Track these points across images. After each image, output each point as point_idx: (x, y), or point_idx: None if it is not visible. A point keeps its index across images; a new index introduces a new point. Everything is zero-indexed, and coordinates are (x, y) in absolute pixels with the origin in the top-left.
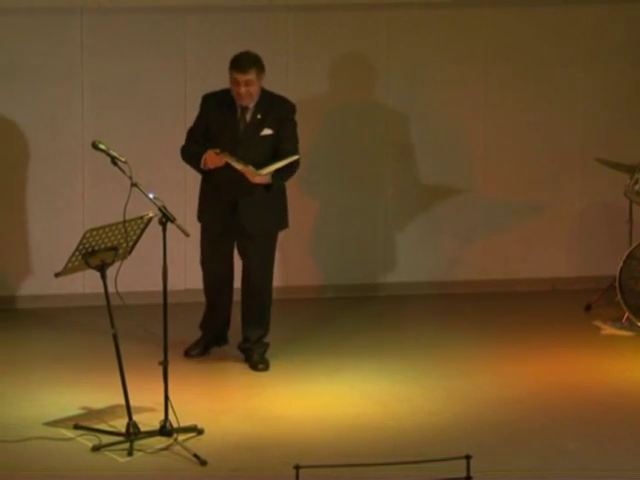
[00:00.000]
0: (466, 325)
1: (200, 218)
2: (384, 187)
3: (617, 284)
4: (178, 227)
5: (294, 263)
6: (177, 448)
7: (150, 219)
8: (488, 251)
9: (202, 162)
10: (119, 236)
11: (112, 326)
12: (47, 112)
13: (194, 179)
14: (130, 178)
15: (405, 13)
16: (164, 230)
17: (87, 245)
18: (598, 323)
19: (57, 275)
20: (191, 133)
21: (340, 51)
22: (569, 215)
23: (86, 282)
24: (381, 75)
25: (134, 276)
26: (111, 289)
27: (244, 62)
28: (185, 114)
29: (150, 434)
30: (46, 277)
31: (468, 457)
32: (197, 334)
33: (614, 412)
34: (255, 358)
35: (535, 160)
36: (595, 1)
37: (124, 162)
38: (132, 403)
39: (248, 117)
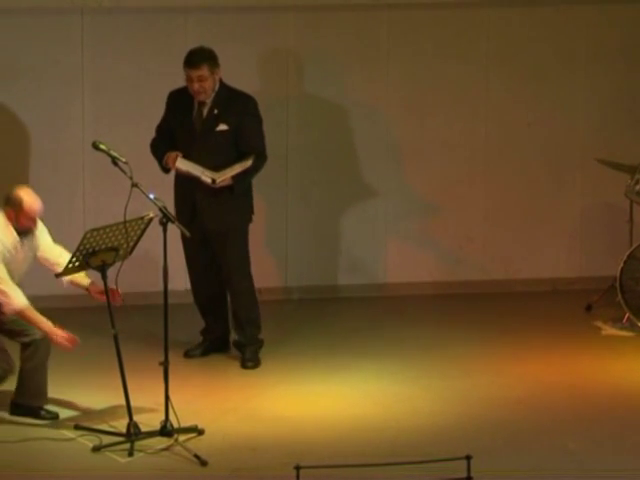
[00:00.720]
0: (467, 325)
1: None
2: (384, 187)
3: (618, 284)
4: (178, 227)
5: (294, 264)
6: (178, 448)
7: (151, 219)
8: (489, 251)
9: (165, 161)
10: (120, 236)
11: (113, 326)
12: (47, 112)
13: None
14: (131, 178)
15: (406, 13)
16: (164, 230)
17: (88, 246)
18: (599, 323)
19: (58, 276)
20: (158, 129)
21: (340, 51)
22: (570, 215)
23: None
24: (382, 75)
25: (134, 277)
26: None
27: (196, 58)
28: None
29: (151, 434)
30: (46, 277)
31: (469, 457)
32: (198, 335)
33: (615, 412)
34: (246, 355)
35: (536, 160)
36: (595, 1)
37: (125, 162)
38: (133, 403)
39: (205, 112)
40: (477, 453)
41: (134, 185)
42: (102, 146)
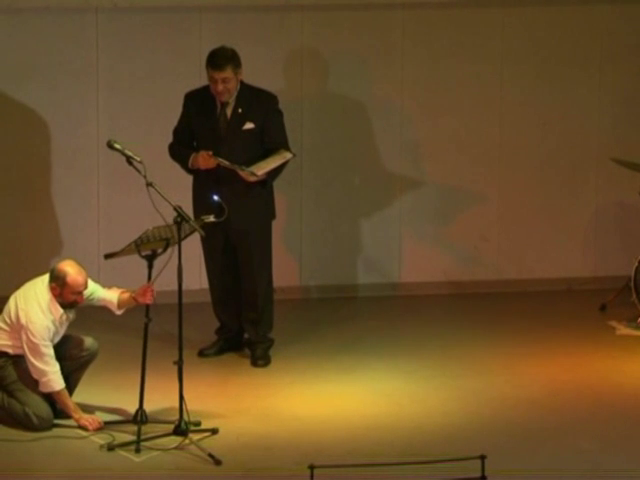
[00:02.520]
0: (481, 325)
1: (195, 214)
2: (399, 187)
3: (632, 284)
4: (193, 226)
5: (309, 263)
6: (192, 447)
7: (207, 223)
8: (503, 251)
9: (191, 162)
10: (174, 232)
11: (146, 315)
12: (63, 111)
13: None
14: (145, 177)
15: (420, 13)
16: (179, 229)
17: (144, 237)
18: (613, 323)
19: (107, 256)
20: (176, 132)
21: (355, 51)
22: (584, 215)
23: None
24: (396, 74)
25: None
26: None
27: (220, 60)
28: None
29: (165, 433)
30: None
31: (483, 457)
32: (212, 334)
33: (629, 412)
34: (257, 353)
35: (550, 160)
36: (610, 1)
37: (139, 162)
38: (147, 404)
39: (229, 112)
40: (491, 453)
41: (149, 184)
42: (117, 145)
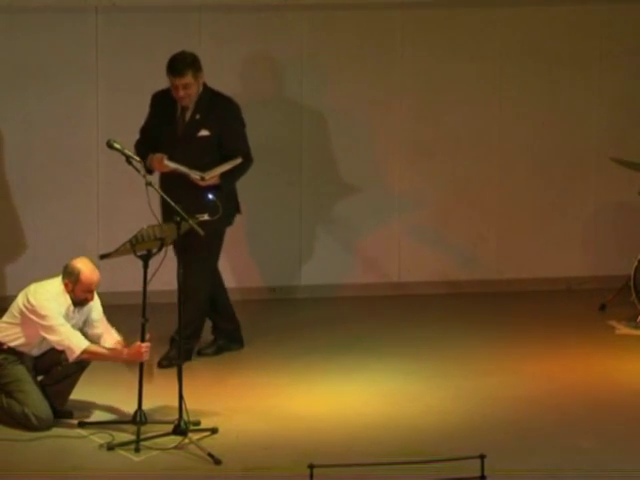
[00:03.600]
0: (480, 324)
1: (163, 220)
2: (398, 186)
3: (632, 283)
4: (192, 226)
5: (308, 262)
6: (191, 447)
7: (203, 221)
8: (503, 250)
9: (148, 163)
10: (169, 232)
11: (143, 315)
12: (62, 111)
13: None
14: (144, 177)
15: (419, 12)
16: (178, 229)
17: (139, 236)
18: (613, 322)
19: (103, 257)
20: (142, 131)
21: (354, 50)
22: (584, 214)
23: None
24: (395, 74)
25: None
26: (122, 288)
27: (180, 65)
28: None
29: (164, 433)
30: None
31: (482, 456)
32: (211, 333)
33: (628, 411)
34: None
35: (550, 159)
36: (609, 1)
37: (138, 161)
38: (146, 403)
39: (187, 117)
40: (490, 452)
41: (148, 184)
42: (116, 145)
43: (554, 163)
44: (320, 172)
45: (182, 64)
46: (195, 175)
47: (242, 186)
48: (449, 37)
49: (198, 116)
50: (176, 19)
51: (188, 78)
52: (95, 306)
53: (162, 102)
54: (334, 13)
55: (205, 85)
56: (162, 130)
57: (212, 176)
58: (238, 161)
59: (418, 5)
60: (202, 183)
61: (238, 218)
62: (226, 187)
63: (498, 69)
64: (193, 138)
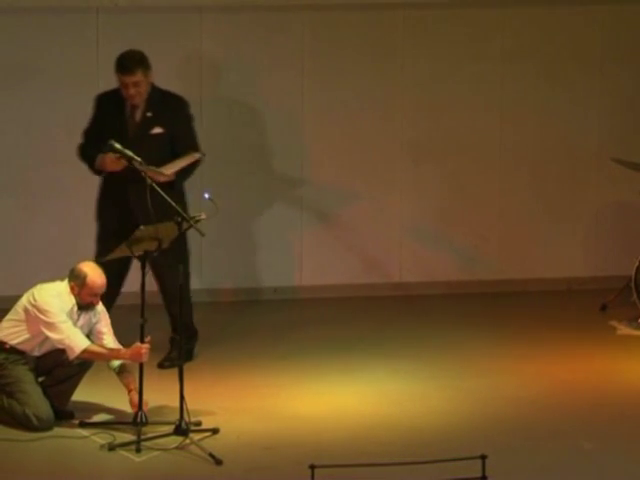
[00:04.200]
0: (481, 325)
1: (99, 217)
2: (400, 186)
3: (633, 284)
4: (194, 227)
5: (309, 263)
6: (192, 447)
7: (200, 220)
8: (504, 250)
9: (99, 164)
10: (166, 231)
11: (142, 316)
12: (63, 112)
13: (208, 179)
14: (146, 178)
15: (421, 13)
16: (179, 230)
17: (135, 237)
18: (614, 323)
19: (101, 258)
20: (87, 133)
21: (355, 51)
22: (585, 215)
23: None
24: (396, 74)
25: (149, 276)
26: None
27: (130, 63)
28: (201, 113)
29: (165, 433)
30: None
31: (483, 457)
32: (213, 334)
33: (629, 412)
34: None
35: (551, 160)
36: (610, 2)
37: (140, 162)
38: (148, 403)
39: (138, 116)
40: (492, 453)
41: (149, 184)
42: (117, 146)
43: (555, 164)
44: (321, 172)
45: (132, 62)
46: (154, 171)
47: (243, 186)
48: (451, 37)
49: (150, 114)
50: (177, 20)
51: (138, 76)
52: (103, 317)
53: (109, 103)
54: (335, 13)
55: (153, 84)
56: (111, 130)
57: (173, 171)
58: (198, 156)
59: (419, 5)
60: (162, 179)
61: (239, 219)
62: (180, 183)
63: (499, 69)
64: (145, 136)
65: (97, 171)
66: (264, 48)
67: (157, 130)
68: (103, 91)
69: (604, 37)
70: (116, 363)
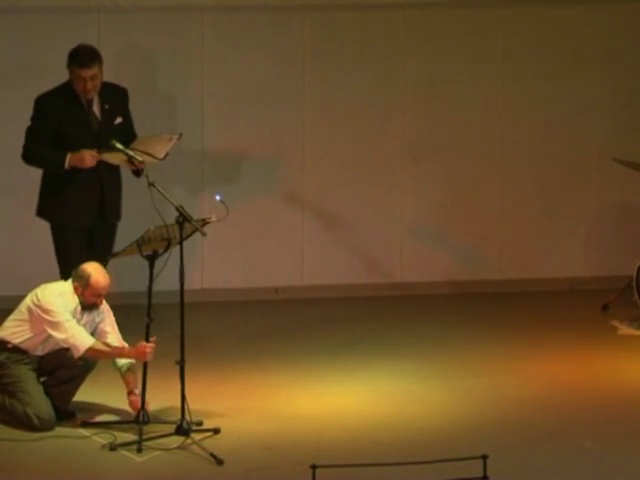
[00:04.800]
0: (483, 325)
1: (64, 219)
2: (401, 186)
3: (634, 284)
4: (195, 227)
5: (310, 262)
6: (194, 447)
7: (208, 222)
8: (505, 250)
9: (71, 162)
10: (176, 233)
11: (148, 315)
12: None
13: (211, 179)
14: (147, 177)
15: (422, 13)
16: (181, 229)
17: (145, 237)
18: (615, 323)
19: (111, 256)
20: (36, 135)
21: (356, 50)
22: (586, 215)
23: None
24: (398, 74)
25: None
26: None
27: (87, 58)
28: (202, 113)
29: (166, 433)
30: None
31: (485, 457)
32: (215, 334)
33: (631, 412)
34: None
35: (552, 160)
36: (612, 1)
37: (141, 162)
38: (149, 403)
39: (96, 110)
40: (493, 453)
41: (150, 184)
42: (119, 145)
43: (557, 163)
44: (322, 172)
45: (89, 55)
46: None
47: (244, 185)
48: (452, 37)
49: (107, 106)
50: (179, 19)
51: (95, 69)
52: (107, 317)
53: (61, 102)
54: (336, 13)
55: None
56: (73, 127)
57: (163, 155)
58: (176, 137)
59: (420, 5)
60: (141, 166)
61: (240, 219)
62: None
63: (501, 69)
64: (111, 127)
65: (60, 169)
66: (265, 48)
67: (118, 120)
68: (43, 92)
69: (605, 37)
70: (122, 362)
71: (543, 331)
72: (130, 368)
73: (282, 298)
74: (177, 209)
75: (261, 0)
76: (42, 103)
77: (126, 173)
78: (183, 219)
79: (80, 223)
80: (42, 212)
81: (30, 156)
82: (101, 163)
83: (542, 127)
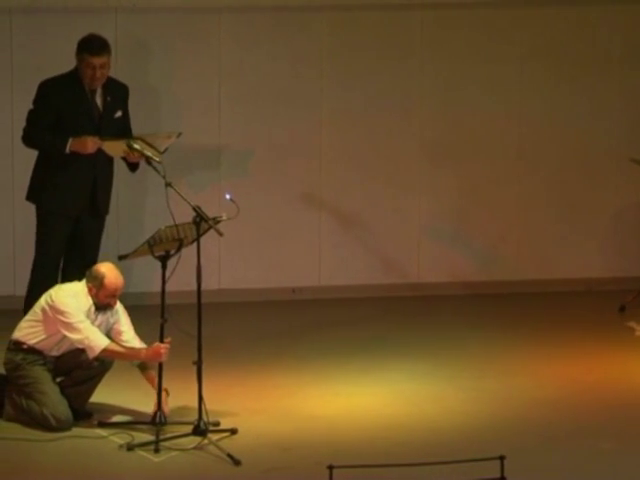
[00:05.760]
0: (499, 325)
1: (53, 204)
2: (418, 187)
3: None
4: (212, 227)
5: (327, 263)
6: (211, 447)
7: (220, 221)
8: (522, 251)
9: (75, 146)
10: (188, 232)
11: (161, 316)
12: None
13: (228, 179)
14: (164, 178)
15: (439, 13)
16: (198, 230)
17: (157, 237)
18: (632, 324)
19: (121, 257)
20: (38, 119)
21: (374, 51)
22: (604, 215)
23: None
24: (415, 75)
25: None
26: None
27: (99, 46)
28: (219, 114)
29: (184, 434)
30: None
31: (502, 458)
32: (230, 333)
33: None
34: None
35: (569, 160)
36: (631, 1)
37: (158, 162)
38: (167, 404)
39: (99, 100)
40: (510, 453)
41: (168, 184)
42: (136, 145)
43: (574, 164)
44: (339, 173)
45: (101, 44)
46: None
47: (261, 186)
48: (469, 38)
49: (109, 98)
50: (196, 20)
51: (105, 58)
52: (122, 317)
53: (65, 89)
54: (354, 14)
55: None
56: (75, 115)
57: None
58: (175, 135)
59: (438, 6)
60: (135, 159)
61: (258, 219)
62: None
63: (518, 70)
64: (111, 120)
65: (60, 153)
66: (283, 49)
67: (118, 114)
68: (47, 78)
69: (623, 38)
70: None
71: (560, 332)
72: (145, 365)
73: (299, 298)
74: (194, 209)
75: (278, 1)
76: (45, 88)
77: (128, 172)
78: (200, 219)
79: (68, 211)
80: (32, 196)
81: (30, 138)
82: (97, 154)
83: (560, 128)
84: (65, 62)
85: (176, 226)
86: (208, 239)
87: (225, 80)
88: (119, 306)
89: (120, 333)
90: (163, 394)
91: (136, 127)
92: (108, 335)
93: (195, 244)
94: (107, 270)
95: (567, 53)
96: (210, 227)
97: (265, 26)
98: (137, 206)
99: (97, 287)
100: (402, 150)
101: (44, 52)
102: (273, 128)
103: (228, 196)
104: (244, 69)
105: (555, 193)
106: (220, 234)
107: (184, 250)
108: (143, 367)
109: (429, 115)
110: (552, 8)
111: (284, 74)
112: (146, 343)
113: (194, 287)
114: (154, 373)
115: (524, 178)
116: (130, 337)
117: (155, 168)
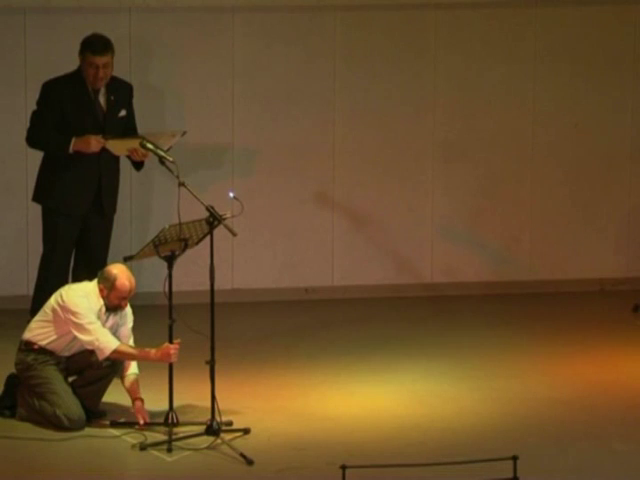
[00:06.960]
0: (512, 326)
1: (59, 202)
2: (431, 187)
3: None
4: (225, 227)
5: (340, 263)
6: (223, 447)
7: (225, 218)
8: (536, 251)
9: (78, 146)
10: (193, 231)
11: (170, 316)
12: None
13: (241, 178)
14: (177, 177)
15: (453, 13)
16: (211, 229)
17: (162, 237)
18: None
19: (127, 259)
20: (41, 119)
21: (387, 50)
22: (617, 215)
23: None
24: (429, 74)
25: (181, 275)
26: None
27: (101, 45)
28: (233, 114)
29: (196, 433)
30: None
31: (515, 458)
32: (244, 334)
33: None
34: None
35: (583, 160)
36: None
37: (172, 162)
38: (178, 404)
39: (102, 100)
40: (523, 453)
41: (181, 184)
42: (149, 145)
43: (587, 164)
44: (352, 172)
45: (104, 43)
46: (172, 138)
47: (274, 185)
48: (483, 37)
49: (113, 98)
50: (209, 20)
51: (108, 57)
52: (128, 318)
53: (69, 88)
54: (367, 13)
55: None
56: (79, 115)
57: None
58: (179, 134)
59: (452, 5)
60: (143, 157)
61: (271, 219)
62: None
63: (532, 70)
64: (115, 120)
65: (64, 153)
66: (296, 48)
67: (123, 113)
68: (51, 78)
69: (637, 36)
70: (129, 372)
71: (574, 332)
72: (136, 378)
73: (312, 298)
74: (207, 209)
75: (292, 0)
76: (49, 88)
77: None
78: (213, 219)
79: (74, 209)
80: (37, 196)
81: (34, 139)
82: (101, 154)
83: (573, 127)
84: (78, 61)
85: (179, 225)
86: (221, 239)
87: (238, 79)
88: (128, 309)
89: (126, 338)
90: (138, 402)
91: (149, 126)
92: (116, 336)
93: (209, 244)
94: (119, 272)
95: (581, 52)
96: (218, 225)
97: (278, 26)
98: (149, 207)
99: (108, 288)
100: (415, 149)
101: (58, 52)
102: (286, 128)
103: (232, 194)
104: (257, 68)
105: (569, 193)
106: (234, 234)
107: (198, 250)
108: (131, 378)
109: (443, 114)
110: (565, 7)
111: (297, 73)
112: (156, 344)
113: (207, 287)
114: (137, 384)
115: (538, 178)
116: (132, 341)
117: (168, 168)
